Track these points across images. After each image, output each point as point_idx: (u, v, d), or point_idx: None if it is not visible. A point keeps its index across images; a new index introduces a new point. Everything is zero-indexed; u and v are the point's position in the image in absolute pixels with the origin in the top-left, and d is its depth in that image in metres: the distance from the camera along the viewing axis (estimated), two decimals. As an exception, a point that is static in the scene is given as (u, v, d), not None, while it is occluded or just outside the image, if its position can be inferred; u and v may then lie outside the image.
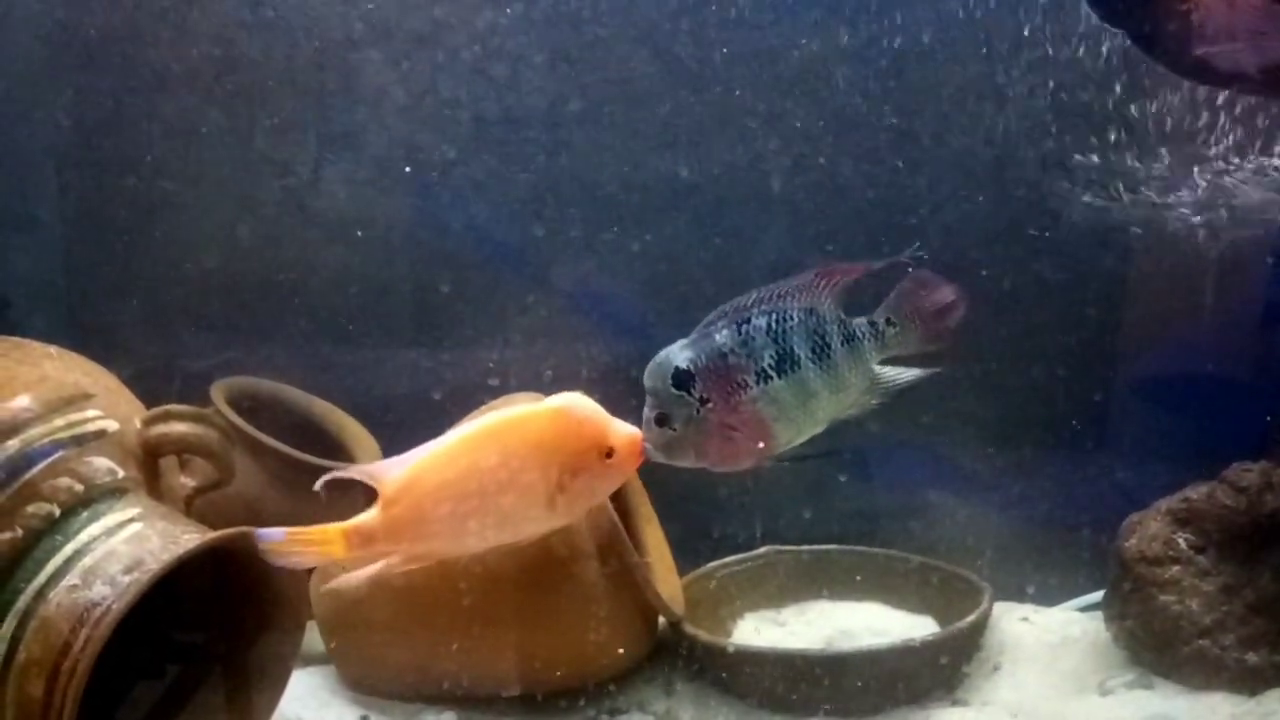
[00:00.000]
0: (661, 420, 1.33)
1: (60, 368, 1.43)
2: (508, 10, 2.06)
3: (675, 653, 1.85)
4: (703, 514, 2.13)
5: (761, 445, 1.35)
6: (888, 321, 1.39)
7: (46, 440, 1.34)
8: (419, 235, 2.15)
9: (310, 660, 1.76)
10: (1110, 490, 2.05)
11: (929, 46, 2.01)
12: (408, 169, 2.12)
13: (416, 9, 2.06)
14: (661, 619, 1.83)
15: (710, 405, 1.32)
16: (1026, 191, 2.02)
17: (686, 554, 1.99)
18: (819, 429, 1.38)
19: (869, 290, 1.45)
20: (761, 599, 2.05)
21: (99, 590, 1.26)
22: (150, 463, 1.44)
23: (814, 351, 1.34)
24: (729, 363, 1.32)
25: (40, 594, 1.27)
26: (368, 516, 1.22)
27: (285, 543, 1.21)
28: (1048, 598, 2.07)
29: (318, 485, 1.25)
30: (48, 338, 1.51)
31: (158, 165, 2.13)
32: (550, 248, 2.12)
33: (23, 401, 1.35)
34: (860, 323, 1.38)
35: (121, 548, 1.30)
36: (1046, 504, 2.09)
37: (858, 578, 2.05)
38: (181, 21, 2.08)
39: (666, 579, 1.88)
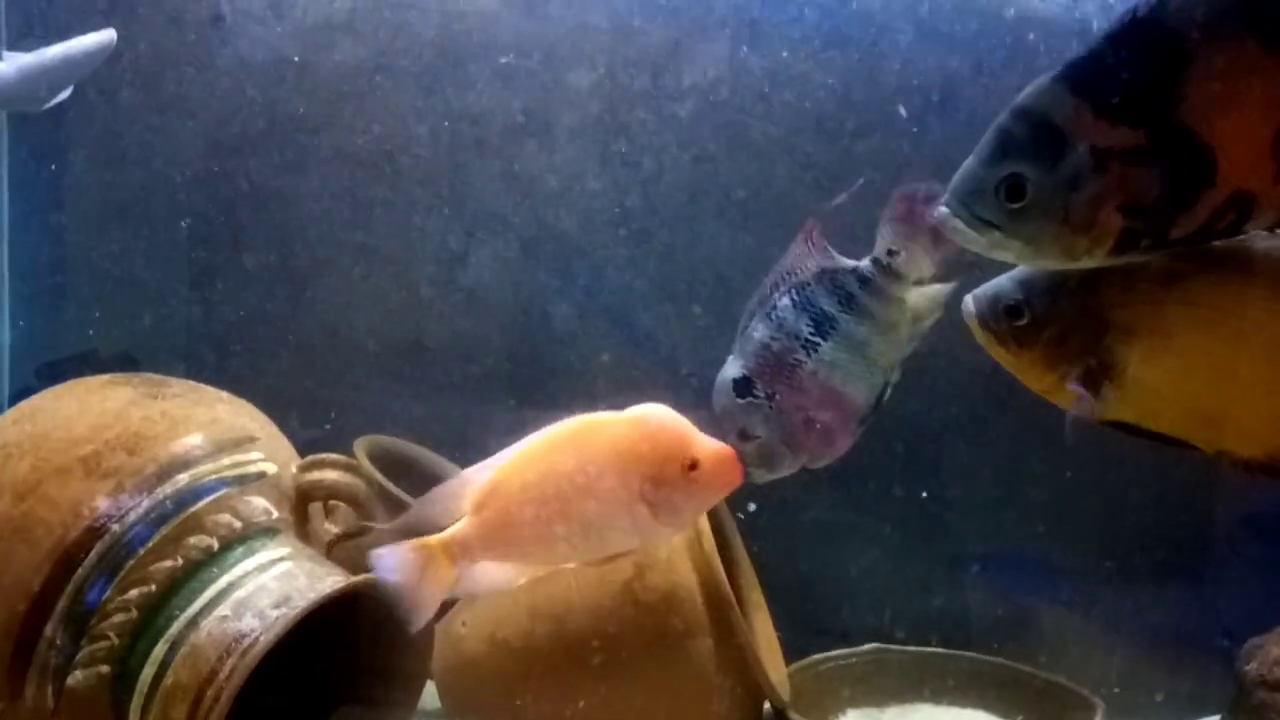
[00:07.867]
0: (744, 435, 1.29)
1: (230, 411, 1.54)
2: (659, 110, 2.17)
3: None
4: (815, 607, 2.15)
5: (843, 412, 1.30)
6: (889, 252, 1.31)
7: (213, 477, 1.42)
8: (558, 314, 2.24)
9: (425, 715, 1.80)
10: (1230, 611, 2.01)
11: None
12: (552, 250, 2.23)
13: (574, 105, 2.18)
14: (766, 704, 1.84)
15: (778, 398, 1.29)
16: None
17: (795, 648, 2.00)
18: (890, 376, 1.33)
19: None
20: (863, 696, 2.03)
21: (248, 622, 1.32)
22: (301, 506, 1.52)
23: (841, 304, 1.30)
24: (774, 350, 1.29)
25: (193, 622, 1.33)
26: (461, 524, 1.16)
27: (394, 563, 1.12)
28: (1163, 718, 2.03)
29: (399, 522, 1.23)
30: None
31: (323, 234, 2.27)
32: (682, 333, 2.19)
33: (195, 439, 1.44)
34: (864, 264, 1.32)
35: (271, 583, 1.37)
36: (1166, 622, 2.05)
37: (963, 683, 2.03)
38: (360, 104, 2.23)
39: (773, 665, 1.89)
